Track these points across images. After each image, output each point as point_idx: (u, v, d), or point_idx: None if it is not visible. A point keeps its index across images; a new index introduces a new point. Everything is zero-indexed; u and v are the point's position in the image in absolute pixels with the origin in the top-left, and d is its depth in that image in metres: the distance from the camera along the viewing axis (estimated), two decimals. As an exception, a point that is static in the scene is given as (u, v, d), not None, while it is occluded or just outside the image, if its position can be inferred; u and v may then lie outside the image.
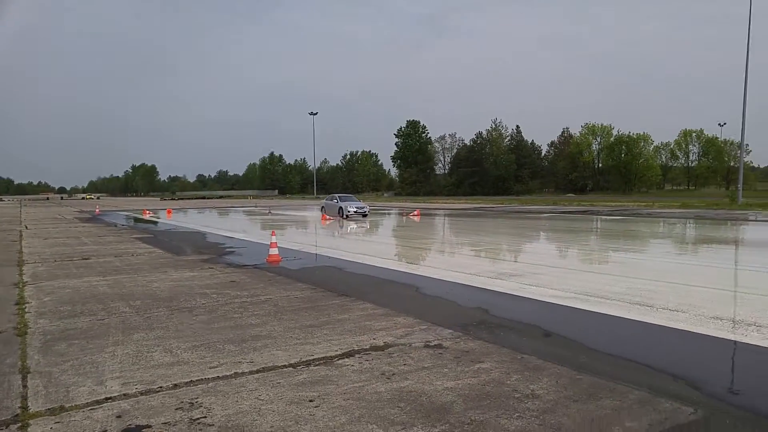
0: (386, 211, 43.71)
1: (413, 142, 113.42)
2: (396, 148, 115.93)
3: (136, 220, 34.86)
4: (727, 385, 4.80)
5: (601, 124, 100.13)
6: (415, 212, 38.32)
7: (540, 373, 4.98)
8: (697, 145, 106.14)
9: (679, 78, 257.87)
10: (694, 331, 6.49)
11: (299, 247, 16.54)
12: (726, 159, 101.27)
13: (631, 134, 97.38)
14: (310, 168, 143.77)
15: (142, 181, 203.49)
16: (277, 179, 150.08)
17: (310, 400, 4.39)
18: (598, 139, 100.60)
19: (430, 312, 7.52)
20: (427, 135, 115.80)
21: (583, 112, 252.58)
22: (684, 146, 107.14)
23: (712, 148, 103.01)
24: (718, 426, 3.91)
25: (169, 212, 41.88)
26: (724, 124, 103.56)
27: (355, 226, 26.35)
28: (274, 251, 12.94)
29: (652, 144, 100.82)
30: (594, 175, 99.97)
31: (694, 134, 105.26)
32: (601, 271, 11.87)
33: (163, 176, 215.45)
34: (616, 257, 13.98)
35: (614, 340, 6.34)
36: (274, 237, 13.51)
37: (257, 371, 5.11)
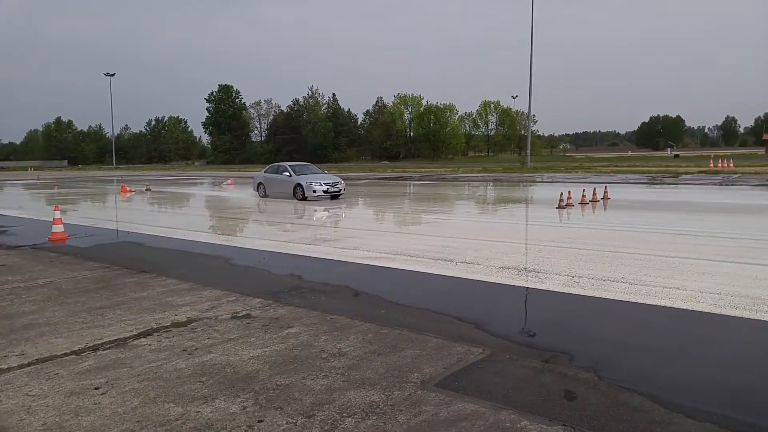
0: (197, 181, 41.30)
1: (226, 107, 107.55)
2: (207, 114, 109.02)
3: None
4: (508, 325, 5.38)
5: (412, 95, 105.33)
6: (229, 181, 36.75)
7: (347, 331, 5.06)
8: (495, 115, 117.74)
9: (479, 52, 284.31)
10: (486, 280, 7.18)
11: (92, 222, 14.75)
12: (518, 128, 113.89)
13: (438, 104, 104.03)
14: (107, 135, 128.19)
15: None
16: (66, 148, 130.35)
17: (96, 388, 3.89)
18: (410, 109, 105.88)
19: (240, 283, 7.22)
20: (241, 100, 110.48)
21: (397, 82, 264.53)
22: (484, 116, 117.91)
23: (507, 118, 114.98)
24: (501, 360, 4.34)
25: None
26: (516, 96, 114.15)
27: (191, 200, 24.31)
28: (58, 228, 11.29)
29: (457, 114, 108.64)
30: (406, 143, 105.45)
31: (492, 105, 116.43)
32: (409, 231, 12.58)
33: None
34: (425, 218, 14.95)
35: (418, 294, 6.73)
36: (58, 212, 11.75)
37: (29, 364, 4.39)
